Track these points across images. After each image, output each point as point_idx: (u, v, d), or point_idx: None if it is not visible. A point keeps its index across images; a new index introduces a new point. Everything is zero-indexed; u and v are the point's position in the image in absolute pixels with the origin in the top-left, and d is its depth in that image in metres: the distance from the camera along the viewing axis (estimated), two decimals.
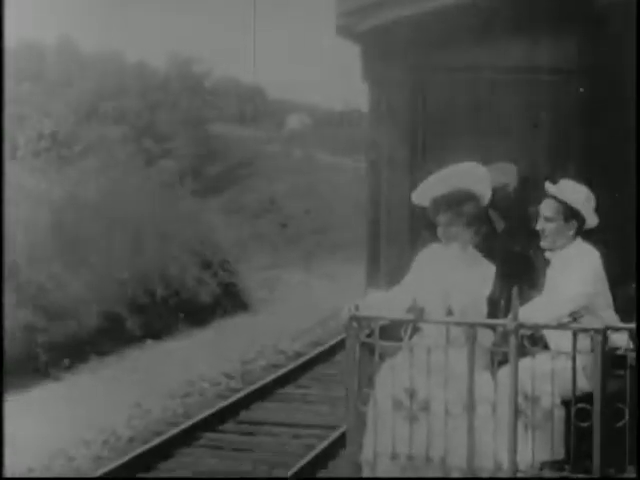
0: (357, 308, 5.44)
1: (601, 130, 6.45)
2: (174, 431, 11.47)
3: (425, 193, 5.79)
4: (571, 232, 5.67)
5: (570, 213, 5.66)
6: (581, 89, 5.82)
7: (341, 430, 11.54)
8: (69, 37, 36.70)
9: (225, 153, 38.65)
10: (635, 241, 5.86)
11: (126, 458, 10.52)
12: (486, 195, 5.76)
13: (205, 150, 38.00)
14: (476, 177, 5.76)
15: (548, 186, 5.72)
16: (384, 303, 5.62)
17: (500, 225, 6.20)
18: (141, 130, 36.45)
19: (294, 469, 10.57)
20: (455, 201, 5.67)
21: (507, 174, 6.24)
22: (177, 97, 37.40)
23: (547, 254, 5.75)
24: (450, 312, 5.48)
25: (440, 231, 5.71)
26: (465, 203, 5.68)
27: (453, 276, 5.63)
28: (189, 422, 11.91)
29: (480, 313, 5.52)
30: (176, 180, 35.57)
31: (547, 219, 5.69)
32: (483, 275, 5.66)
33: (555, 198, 5.68)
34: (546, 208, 5.71)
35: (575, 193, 5.69)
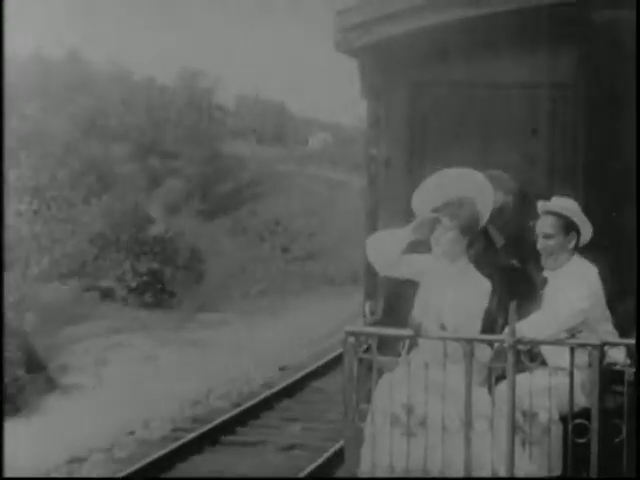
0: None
1: (599, 145, 6.45)
2: None
3: (425, 202, 5.75)
4: (571, 246, 5.66)
5: (569, 226, 5.65)
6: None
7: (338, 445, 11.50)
8: (77, 52, 36.72)
9: (237, 172, 38.08)
10: (635, 256, 5.86)
11: None
12: (486, 206, 5.72)
13: (213, 169, 37.51)
14: (476, 186, 5.72)
15: (542, 204, 5.71)
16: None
17: (500, 241, 6.19)
18: (146, 147, 36.15)
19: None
20: (453, 208, 5.64)
21: (502, 185, 6.16)
22: (184, 113, 37.00)
23: (545, 272, 5.73)
24: (443, 327, 5.47)
25: (433, 236, 5.65)
26: (462, 210, 5.64)
27: (446, 291, 5.61)
28: None
29: (474, 328, 5.50)
30: (182, 200, 34.87)
31: (547, 236, 5.67)
32: (477, 290, 5.63)
33: (552, 213, 5.67)
34: (544, 225, 5.68)
35: (570, 205, 5.70)
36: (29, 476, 11.31)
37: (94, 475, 11.74)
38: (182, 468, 12.06)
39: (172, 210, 34.03)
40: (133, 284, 24.20)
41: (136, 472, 11.41)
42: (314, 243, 32.51)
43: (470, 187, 5.70)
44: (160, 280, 24.87)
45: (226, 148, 38.84)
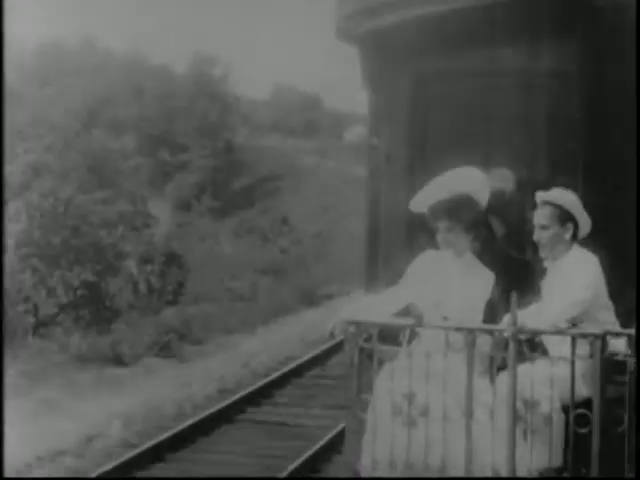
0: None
1: (601, 135, 6.42)
2: None
3: (423, 201, 5.77)
4: (568, 237, 5.64)
5: (565, 217, 5.64)
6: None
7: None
8: (91, 39, 36.53)
9: (254, 166, 37.03)
10: (635, 246, 5.83)
11: None
12: (484, 200, 5.75)
13: (227, 162, 36.57)
14: (474, 181, 5.75)
15: (540, 194, 5.71)
16: (375, 307, 5.61)
17: (500, 230, 6.18)
18: (156, 139, 35.51)
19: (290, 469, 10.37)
20: (454, 207, 5.65)
21: (504, 180, 6.21)
22: (197, 102, 36.18)
23: (545, 263, 5.72)
24: (445, 319, 5.46)
25: (439, 237, 5.69)
26: (464, 209, 5.66)
27: (449, 284, 5.61)
28: None
29: (476, 319, 5.49)
30: (192, 196, 33.63)
31: (543, 227, 5.66)
32: (481, 283, 5.63)
33: (549, 204, 5.66)
34: (540, 216, 5.68)
35: (567, 196, 5.69)
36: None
37: None
38: None
39: (182, 207, 33.15)
40: (64, 300, 19.80)
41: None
42: (316, 247, 31.38)
43: (464, 182, 5.71)
44: (100, 294, 20.74)
45: (250, 140, 37.69)
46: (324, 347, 17.67)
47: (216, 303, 23.41)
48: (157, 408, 13.90)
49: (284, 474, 10.61)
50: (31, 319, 19.09)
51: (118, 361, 16.96)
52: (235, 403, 13.71)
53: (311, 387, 15.46)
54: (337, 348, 17.37)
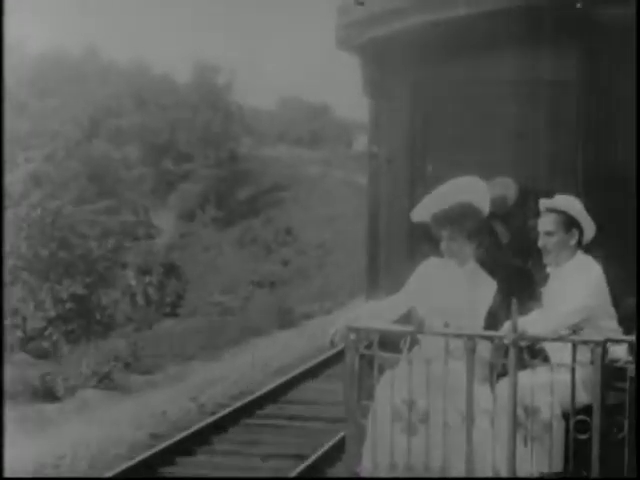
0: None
1: (601, 142, 6.44)
2: None
3: (425, 210, 5.80)
4: (572, 243, 5.66)
5: (570, 223, 5.66)
6: None
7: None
8: (93, 47, 36.48)
9: (259, 176, 36.71)
10: (635, 254, 5.85)
11: None
12: (485, 208, 5.77)
13: (232, 172, 36.31)
14: (475, 190, 5.77)
15: (544, 201, 5.73)
16: (377, 314, 5.63)
17: (505, 238, 6.21)
18: (159, 149, 35.32)
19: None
20: (456, 216, 5.67)
21: (506, 188, 6.24)
22: (201, 113, 35.94)
23: (548, 269, 5.73)
24: (447, 325, 5.47)
25: (443, 245, 5.70)
26: (466, 217, 5.68)
27: (451, 292, 5.62)
28: None
29: (477, 326, 5.50)
30: (196, 206, 33.10)
31: (548, 234, 5.68)
32: (483, 292, 5.64)
33: (553, 210, 5.68)
34: (545, 223, 5.70)
35: (571, 202, 5.71)
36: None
37: None
38: None
39: (185, 217, 32.83)
40: (52, 313, 18.98)
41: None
42: (319, 257, 30.90)
43: (466, 191, 5.74)
44: (90, 307, 19.71)
45: (254, 150, 37.36)
46: (286, 377, 15.72)
47: (205, 318, 22.04)
48: (72, 458, 11.62)
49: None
50: (19, 333, 18.31)
51: (49, 395, 14.61)
52: (164, 451, 11.40)
53: (259, 429, 12.96)
54: (299, 379, 15.80)
